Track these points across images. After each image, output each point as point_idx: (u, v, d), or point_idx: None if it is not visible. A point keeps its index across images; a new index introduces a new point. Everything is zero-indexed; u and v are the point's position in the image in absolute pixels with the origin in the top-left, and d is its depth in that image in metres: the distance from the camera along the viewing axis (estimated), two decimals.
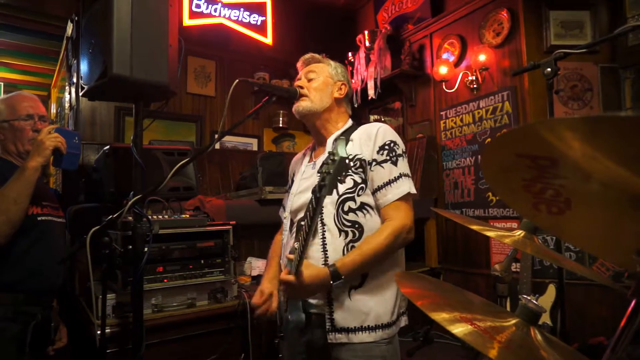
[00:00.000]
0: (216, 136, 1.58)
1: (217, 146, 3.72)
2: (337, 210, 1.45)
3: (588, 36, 2.70)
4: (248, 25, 3.97)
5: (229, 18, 3.87)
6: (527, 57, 2.79)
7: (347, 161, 1.06)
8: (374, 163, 1.47)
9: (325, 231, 1.45)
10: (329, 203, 1.45)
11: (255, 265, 2.71)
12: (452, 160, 3.27)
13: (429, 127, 3.53)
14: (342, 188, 1.47)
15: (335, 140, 1.57)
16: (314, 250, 1.44)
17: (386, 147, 1.48)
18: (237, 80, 1.47)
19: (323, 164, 1.07)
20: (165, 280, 2.00)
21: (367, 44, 3.87)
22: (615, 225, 0.65)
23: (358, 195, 1.46)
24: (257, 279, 2.60)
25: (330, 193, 1.09)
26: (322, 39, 4.49)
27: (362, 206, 1.46)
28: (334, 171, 1.05)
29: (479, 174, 3.07)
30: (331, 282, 1.28)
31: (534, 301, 0.73)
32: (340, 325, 1.40)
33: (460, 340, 2.09)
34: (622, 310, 0.61)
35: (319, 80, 1.62)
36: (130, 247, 1.66)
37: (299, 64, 1.73)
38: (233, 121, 3.83)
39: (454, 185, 3.24)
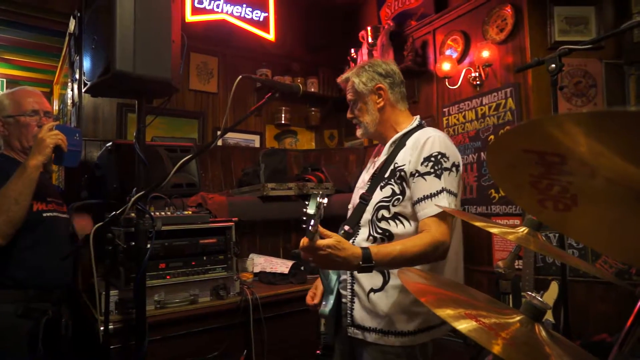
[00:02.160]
0: (219, 133, 1.59)
1: (219, 143, 3.72)
2: (372, 217, 1.48)
3: (593, 32, 2.68)
4: (250, 22, 3.96)
5: (232, 14, 3.86)
6: (530, 53, 2.77)
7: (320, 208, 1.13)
8: (416, 174, 1.42)
9: (358, 234, 1.50)
10: (369, 209, 1.50)
11: (258, 262, 2.71)
12: None
13: (431, 124, 3.51)
14: (379, 195, 1.48)
15: (393, 143, 1.56)
16: None
17: (432, 158, 1.41)
18: (241, 77, 1.48)
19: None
20: (167, 277, 2.01)
21: (370, 40, 3.86)
22: (621, 221, 0.64)
23: (393, 206, 1.45)
24: (259, 276, 2.60)
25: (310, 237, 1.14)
26: (325, 35, 4.48)
27: (395, 216, 1.45)
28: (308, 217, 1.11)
29: (481, 171, 3.06)
30: (360, 262, 1.22)
31: (539, 298, 0.73)
32: (357, 322, 1.46)
33: (463, 337, 2.10)
34: (625, 307, 0.61)
35: (357, 104, 1.62)
36: (133, 243, 1.66)
37: (342, 85, 1.74)
38: (236, 118, 3.82)
39: None
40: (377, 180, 1.52)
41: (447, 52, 3.37)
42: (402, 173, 1.45)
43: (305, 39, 4.46)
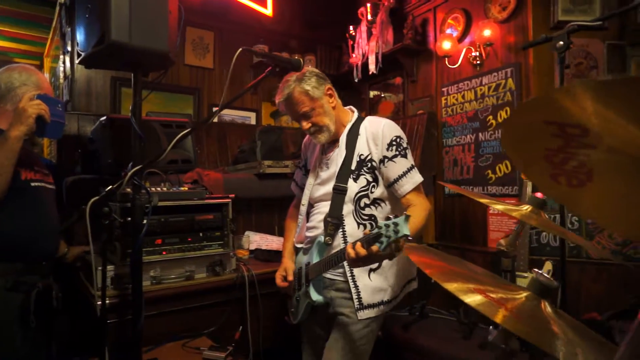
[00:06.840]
0: (214, 109, 1.57)
1: (215, 119, 3.66)
2: (355, 207, 1.62)
3: (597, 12, 2.64)
4: None
5: None
6: (533, 32, 2.73)
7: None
8: (385, 160, 1.60)
9: (344, 225, 1.61)
10: (348, 200, 1.62)
11: (253, 239, 2.71)
12: (452, 137, 3.24)
13: (429, 103, 3.49)
14: (356, 187, 1.63)
15: (346, 137, 1.69)
16: (337, 240, 1.61)
17: (394, 143, 1.60)
18: (241, 49, 1.44)
19: (384, 228, 1.18)
20: (164, 253, 2.00)
21: (369, 17, 3.78)
22: (628, 196, 0.64)
23: (371, 192, 1.62)
24: (254, 253, 2.61)
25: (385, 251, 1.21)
26: (323, 11, 4.38)
27: (375, 201, 1.62)
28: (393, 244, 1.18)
29: (479, 151, 3.06)
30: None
31: (545, 275, 0.73)
32: (367, 302, 1.59)
33: (456, 315, 2.13)
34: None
35: (315, 110, 1.66)
36: (130, 218, 1.64)
37: (281, 108, 1.75)
38: (232, 94, 3.76)
39: (453, 162, 3.23)
40: (344, 173, 1.64)
41: (448, 31, 3.32)
42: (373, 163, 1.61)
43: (303, 16, 4.36)
